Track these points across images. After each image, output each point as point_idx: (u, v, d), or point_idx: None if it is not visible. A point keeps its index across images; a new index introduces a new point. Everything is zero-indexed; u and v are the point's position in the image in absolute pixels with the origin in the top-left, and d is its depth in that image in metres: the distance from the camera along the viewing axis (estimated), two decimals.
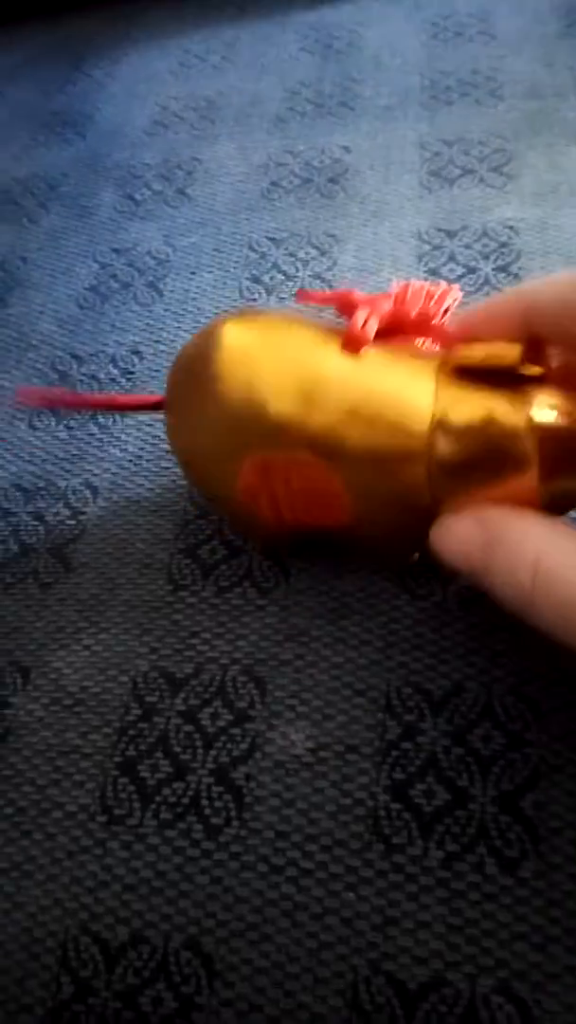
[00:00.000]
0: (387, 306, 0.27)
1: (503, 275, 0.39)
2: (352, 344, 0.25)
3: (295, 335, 0.26)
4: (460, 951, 0.23)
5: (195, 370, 0.27)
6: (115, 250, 0.45)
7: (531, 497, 0.23)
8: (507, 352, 0.23)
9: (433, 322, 0.27)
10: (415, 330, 0.27)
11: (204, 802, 0.26)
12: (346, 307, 0.27)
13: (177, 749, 0.27)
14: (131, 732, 0.28)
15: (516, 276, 0.38)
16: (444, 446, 0.23)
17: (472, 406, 0.23)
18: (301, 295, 0.30)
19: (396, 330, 0.27)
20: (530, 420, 0.23)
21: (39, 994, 0.24)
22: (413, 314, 0.27)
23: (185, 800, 0.26)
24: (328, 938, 0.24)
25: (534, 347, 0.24)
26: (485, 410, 0.23)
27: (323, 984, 0.23)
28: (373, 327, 0.26)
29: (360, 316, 0.26)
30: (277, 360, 0.25)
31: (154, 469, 0.35)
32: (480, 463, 0.23)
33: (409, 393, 0.24)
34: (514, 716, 0.26)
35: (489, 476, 0.23)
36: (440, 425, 0.23)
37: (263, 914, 0.24)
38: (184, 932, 0.24)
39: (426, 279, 0.39)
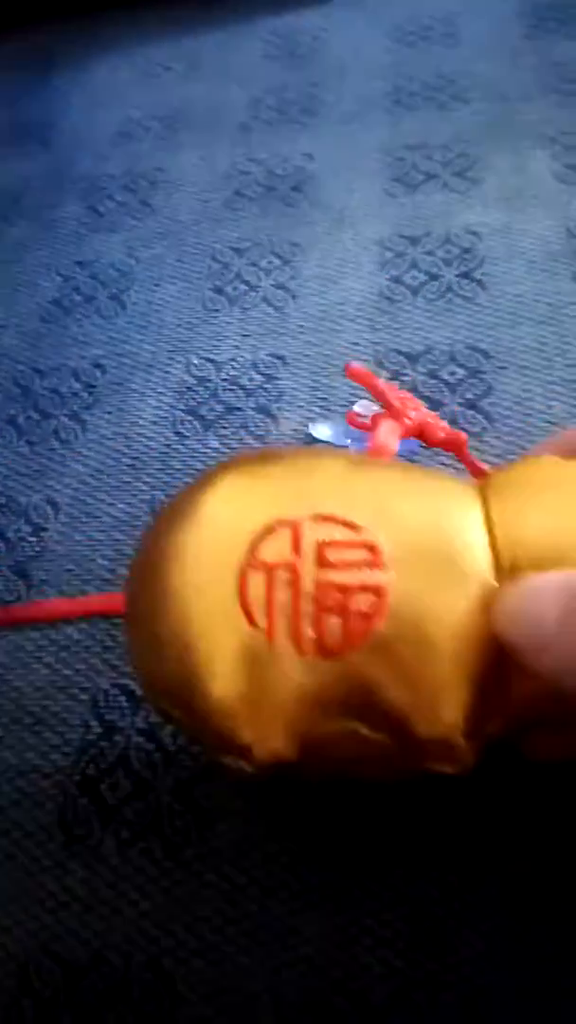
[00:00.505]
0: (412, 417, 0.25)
1: (466, 281, 0.39)
2: (376, 455, 0.23)
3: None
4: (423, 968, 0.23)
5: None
6: (78, 263, 0.45)
7: None
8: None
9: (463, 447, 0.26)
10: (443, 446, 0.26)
11: (164, 821, 0.26)
12: (385, 403, 0.25)
13: (137, 767, 0.27)
14: (91, 751, 0.28)
15: (479, 282, 0.38)
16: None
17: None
18: (352, 374, 0.26)
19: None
20: None
21: None
22: (441, 434, 0.25)
23: (145, 819, 0.26)
24: (287, 957, 0.24)
25: None
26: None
27: (287, 1006, 0.23)
28: (394, 442, 0.23)
29: (384, 428, 0.24)
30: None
31: (115, 483, 0.34)
32: None
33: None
34: None
35: None
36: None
37: (224, 933, 0.24)
38: (145, 952, 0.24)
39: (388, 289, 0.39)
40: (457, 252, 0.40)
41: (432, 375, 0.35)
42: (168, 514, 0.21)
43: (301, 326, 0.39)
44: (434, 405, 0.34)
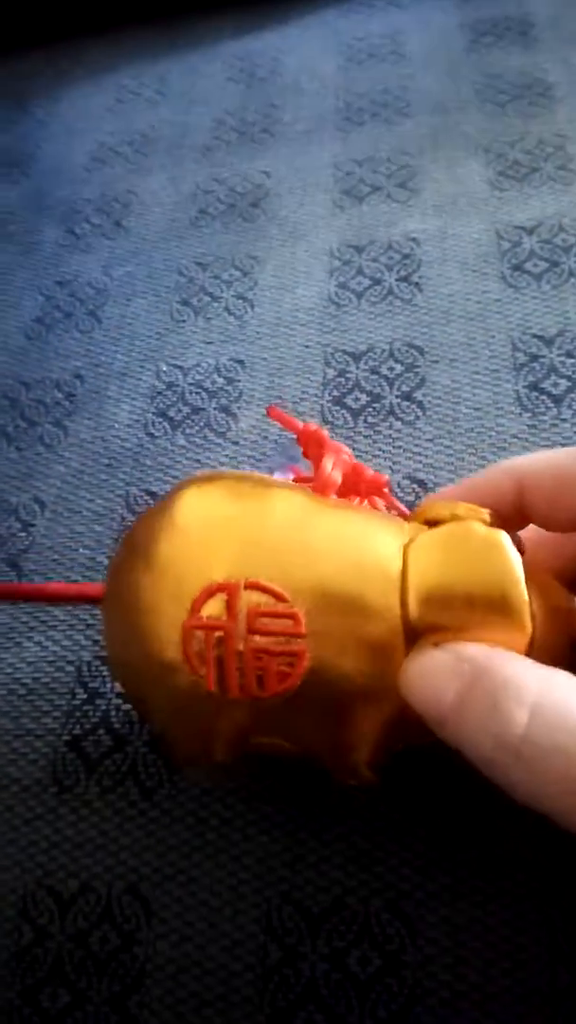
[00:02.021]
0: (346, 458, 0.27)
1: (405, 284, 0.43)
2: (321, 490, 0.25)
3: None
4: (355, 878, 0.27)
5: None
6: (58, 282, 0.49)
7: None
8: (474, 513, 0.22)
9: (384, 488, 0.28)
10: (368, 490, 0.28)
11: (140, 769, 0.30)
12: (312, 445, 0.27)
13: (116, 725, 0.31)
14: (77, 714, 0.32)
15: (417, 285, 0.42)
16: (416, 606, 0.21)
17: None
18: (272, 413, 0.29)
19: (350, 488, 0.27)
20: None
21: (3, 942, 0.28)
22: (369, 474, 0.27)
23: (124, 768, 0.30)
24: (245, 876, 0.28)
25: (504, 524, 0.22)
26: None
27: (242, 914, 0.27)
28: (338, 475, 0.26)
29: (327, 462, 0.26)
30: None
31: (94, 482, 0.39)
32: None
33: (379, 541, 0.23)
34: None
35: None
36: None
37: (191, 859, 0.28)
38: (125, 880, 0.28)
39: (336, 295, 0.43)
40: (398, 258, 0.44)
41: (373, 371, 0.39)
42: (134, 538, 0.25)
43: (258, 332, 0.43)
44: (374, 398, 0.38)
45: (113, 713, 0.32)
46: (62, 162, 0.57)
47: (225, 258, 0.47)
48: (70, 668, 0.33)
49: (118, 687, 0.29)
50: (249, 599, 0.22)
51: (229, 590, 0.22)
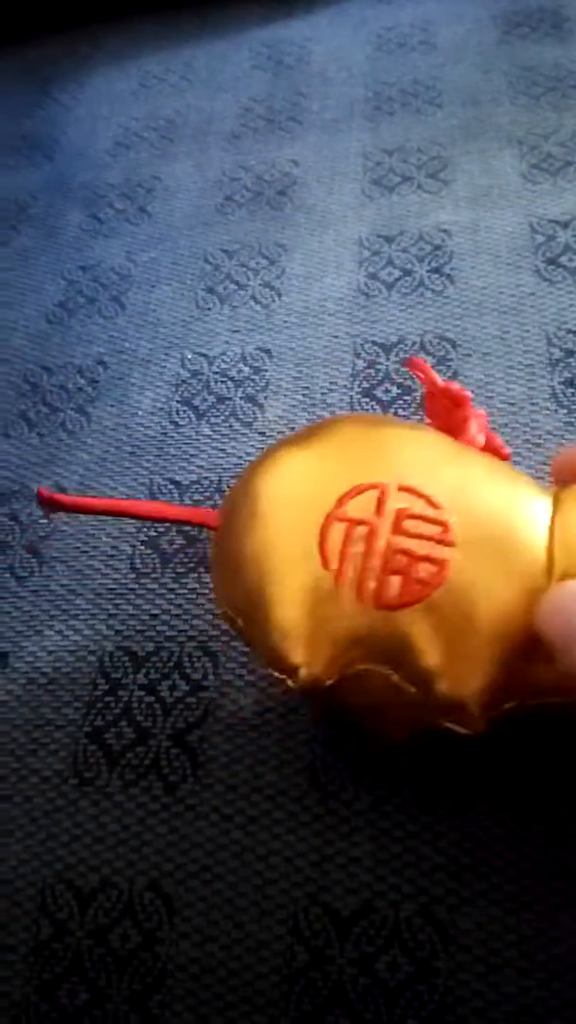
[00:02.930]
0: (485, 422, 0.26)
1: (436, 276, 0.42)
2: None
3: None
4: (386, 881, 0.26)
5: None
6: (81, 267, 0.48)
7: None
8: None
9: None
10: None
11: (163, 762, 0.30)
12: (458, 402, 0.26)
13: (139, 718, 0.31)
14: (99, 705, 0.31)
15: (449, 276, 0.42)
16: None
17: None
18: (414, 363, 0.28)
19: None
20: None
21: (22, 936, 0.28)
22: (498, 442, 0.27)
23: (147, 762, 0.30)
24: (272, 875, 0.27)
25: None
26: None
27: (268, 915, 0.26)
28: (482, 438, 0.26)
29: (473, 424, 0.26)
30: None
31: (117, 469, 0.38)
32: None
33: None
34: None
35: None
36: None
37: (215, 857, 0.28)
38: (147, 876, 0.28)
39: (365, 285, 0.42)
40: (429, 249, 0.43)
41: (404, 363, 0.38)
42: (271, 455, 0.24)
43: (285, 321, 0.42)
44: (405, 390, 0.37)
45: (136, 705, 0.31)
46: (86, 146, 0.57)
47: (252, 246, 0.46)
48: (92, 658, 0.33)
49: (217, 604, 0.26)
50: (399, 502, 0.21)
51: (381, 489, 0.22)
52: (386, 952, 0.25)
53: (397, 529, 0.21)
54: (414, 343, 0.39)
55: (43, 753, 0.31)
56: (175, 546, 0.35)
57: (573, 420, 0.35)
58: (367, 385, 0.38)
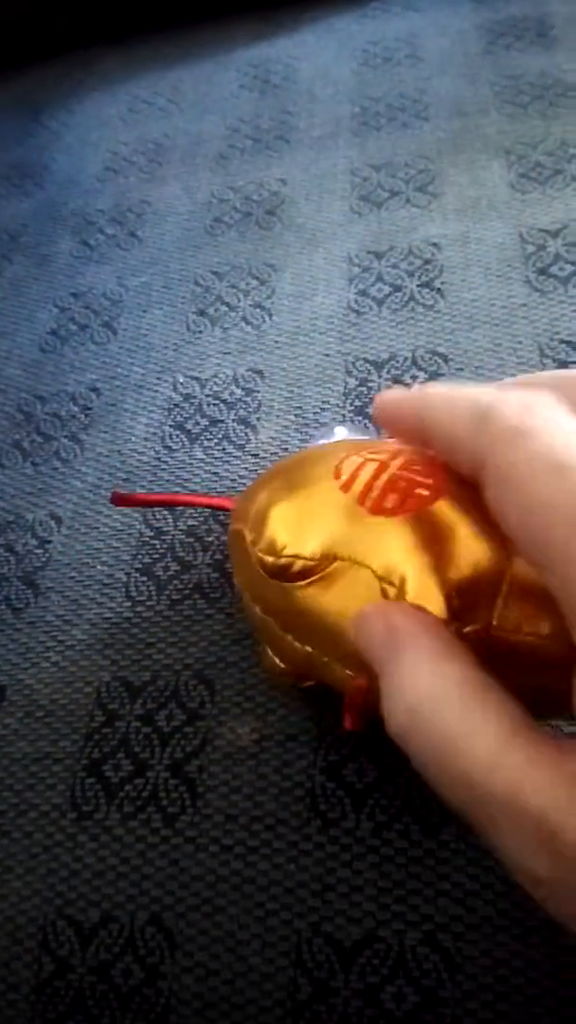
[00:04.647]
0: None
1: (427, 290, 0.42)
2: None
3: None
4: (389, 909, 0.26)
5: None
6: (73, 294, 0.48)
7: None
8: None
9: None
10: None
11: (162, 794, 0.29)
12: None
13: (137, 749, 0.30)
14: (96, 737, 0.31)
15: (439, 290, 0.41)
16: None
17: None
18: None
19: None
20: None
21: (24, 974, 0.27)
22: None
23: (145, 793, 0.29)
24: (273, 906, 0.27)
25: None
26: None
27: (270, 947, 0.26)
28: None
29: None
30: None
31: None
32: None
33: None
34: None
35: None
36: None
37: (216, 889, 0.27)
38: (147, 910, 0.27)
39: (355, 302, 0.42)
40: (419, 263, 0.43)
41: (396, 380, 0.38)
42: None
43: (277, 341, 0.42)
44: None
45: (133, 736, 0.31)
46: (75, 173, 0.57)
47: (242, 267, 0.46)
48: (88, 689, 0.32)
49: (233, 523, 0.28)
50: (400, 466, 0.24)
51: (385, 456, 0.24)
52: (391, 982, 0.25)
53: (403, 468, 0.24)
54: (406, 359, 0.39)
55: (41, 787, 0.30)
56: (170, 572, 0.35)
57: None
58: (359, 403, 0.38)
